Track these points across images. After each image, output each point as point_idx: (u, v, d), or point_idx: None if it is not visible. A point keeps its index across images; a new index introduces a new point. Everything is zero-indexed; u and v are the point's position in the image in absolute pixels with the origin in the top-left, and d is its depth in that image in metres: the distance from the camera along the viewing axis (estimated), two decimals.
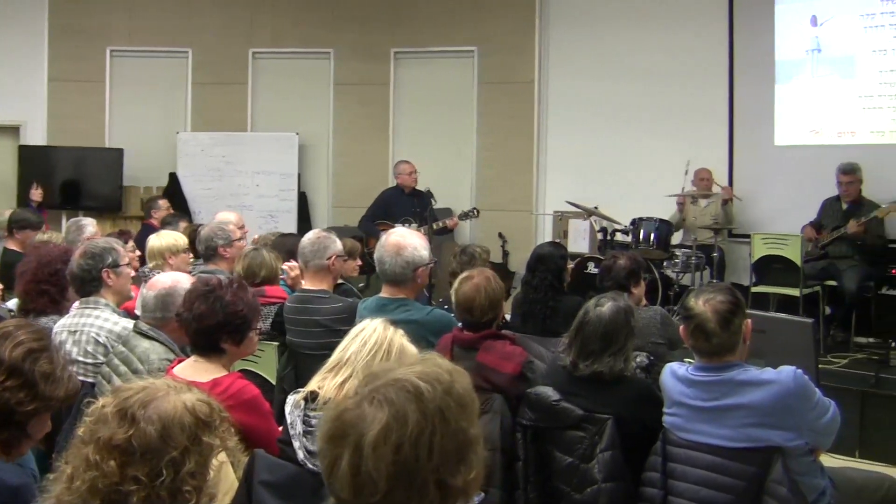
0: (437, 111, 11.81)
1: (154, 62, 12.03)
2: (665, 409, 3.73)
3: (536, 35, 11.35)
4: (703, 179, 9.64)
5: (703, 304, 3.55)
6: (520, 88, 11.40)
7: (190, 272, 5.47)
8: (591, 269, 8.73)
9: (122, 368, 4.07)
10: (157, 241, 6.23)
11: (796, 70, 9.73)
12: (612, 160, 10.70)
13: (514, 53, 11.43)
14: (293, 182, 11.82)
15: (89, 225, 7.26)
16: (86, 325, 4.56)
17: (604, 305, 3.96)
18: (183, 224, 8.11)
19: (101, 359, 4.38)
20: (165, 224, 8.11)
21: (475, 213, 9.83)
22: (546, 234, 10.80)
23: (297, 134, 11.83)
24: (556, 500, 3.90)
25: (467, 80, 11.69)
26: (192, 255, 6.42)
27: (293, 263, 5.91)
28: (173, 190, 11.60)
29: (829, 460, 4.25)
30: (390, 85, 11.94)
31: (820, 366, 5.39)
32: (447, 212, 10.35)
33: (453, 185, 11.28)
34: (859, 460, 6.47)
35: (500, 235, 11.14)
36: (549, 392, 3.92)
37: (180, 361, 3.82)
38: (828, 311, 8.70)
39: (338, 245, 5.47)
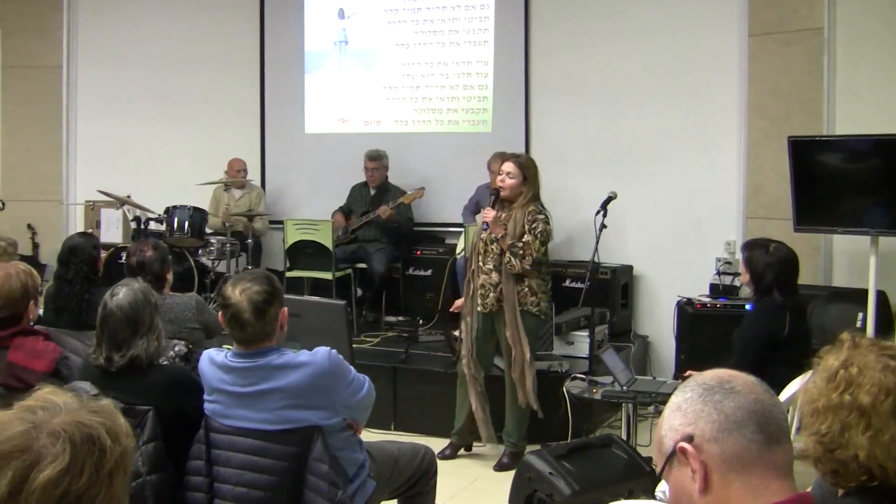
0: None
1: None
2: (205, 397, 3.72)
3: (64, 17, 10.72)
4: (238, 171, 9.64)
5: (239, 293, 3.57)
6: (46, 73, 10.73)
7: None
8: (125, 259, 8.54)
9: None
10: None
11: (325, 60, 10.00)
12: (144, 148, 10.42)
13: (39, 36, 10.74)
14: None
15: None
16: None
17: (119, 293, 3.86)
18: None
19: None
20: None
21: (0, 205, 9.27)
22: (77, 225, 10.33)
23: None
24: None
25: None
26: None
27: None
28: None
29: (368, 435, 4.47)
30: None
31: (354, 345, 5.64)
32: None
33: None
34: (395, 432, 6.85)
35: (30, 227, 10.56)
36: (87, 387, 3.77)
37: None
38: (359, 292, 9.07)
39: None
